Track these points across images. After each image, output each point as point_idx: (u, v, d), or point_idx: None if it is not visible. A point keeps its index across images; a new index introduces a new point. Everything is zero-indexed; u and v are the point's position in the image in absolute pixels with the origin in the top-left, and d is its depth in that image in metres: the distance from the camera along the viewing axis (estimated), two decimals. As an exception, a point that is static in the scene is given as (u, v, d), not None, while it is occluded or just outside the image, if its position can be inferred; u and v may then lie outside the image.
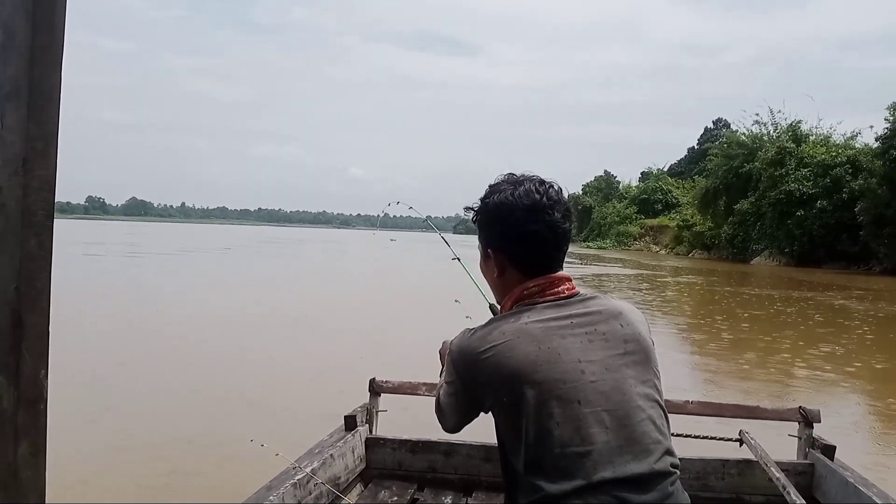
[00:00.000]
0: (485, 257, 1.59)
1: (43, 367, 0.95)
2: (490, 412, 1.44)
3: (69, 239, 37.50)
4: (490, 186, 1.56)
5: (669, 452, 1.39)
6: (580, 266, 32.53)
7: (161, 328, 10.65)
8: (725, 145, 50.92)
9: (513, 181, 1.53)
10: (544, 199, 1.48)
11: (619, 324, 1.44)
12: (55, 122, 0.92)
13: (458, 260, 2.24)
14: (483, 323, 1.49)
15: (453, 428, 1.61)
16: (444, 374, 1.57)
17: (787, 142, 42.75)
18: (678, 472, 1.39)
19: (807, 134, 45.06)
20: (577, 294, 1.49)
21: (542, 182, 1.52)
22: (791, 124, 45.90)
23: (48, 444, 0.97)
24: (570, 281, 1.51)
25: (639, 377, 1.41)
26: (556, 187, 1.52)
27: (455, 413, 1.56)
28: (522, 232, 1.48)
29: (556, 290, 1.48)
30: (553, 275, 1.50)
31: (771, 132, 47.64)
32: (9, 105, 0.90)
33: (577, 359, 1.37)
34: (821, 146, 42.31)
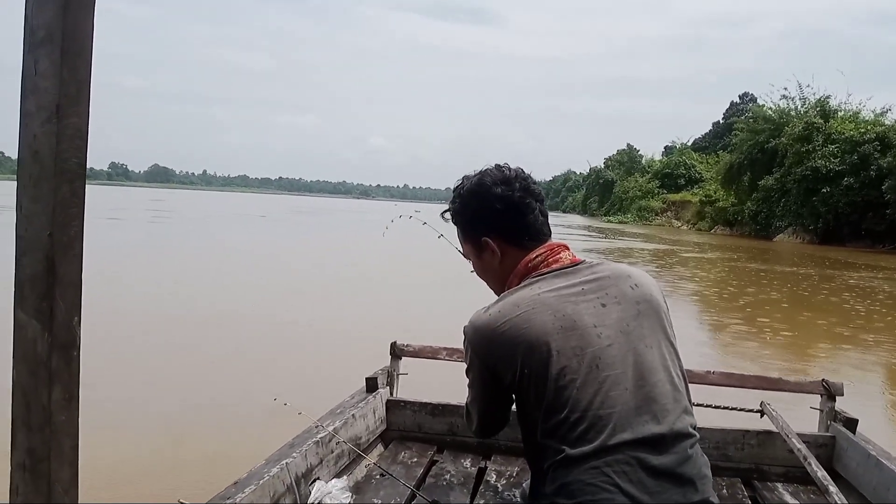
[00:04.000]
0: (480, 250, 1.59)
1: (76, 314, 0.96)
2: (510, 388, 1.44)
3: (113, 205, 38.18)
4: (454, 188, 1.63)
5: (687, 412, 1.40)
6: (603, 240, 32.26)
7: (197, 294, 10.84)
8: (751, 120, 49.88)
9: (471, 175, 1.60)
10: (507, 171, 1.56)
11: (630, 286, 1.47)
12: (88, 68, 0.92)
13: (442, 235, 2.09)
14: (495, 300, 1.50)
15: (480, 423, 1.60)
16: (466, 368, 1.55)
17: (814, 117, 41.69)
18: (697, 435, 1.40)
19: (835, 109, 43.98)
20: (582, 262, 1.52)
21: (497, 165, 1.59)
22: (819, 99, 44.77)
23: (80, 391, 0.99)
24: (569, 248, 1.56)
25: (654, 337, 1.43)
26: (511, 166, 1.60)
27: (479, 398, 1.56)
28: (507, 202, 1.53)
29: (558, 257, 1.52)
30: (551, 242, 1.55)
31: (798, 107, 46.60)
32: (42, 51, 0.89)
33: (593, 324, 1.39)
34: (849, 122, 41.30)
